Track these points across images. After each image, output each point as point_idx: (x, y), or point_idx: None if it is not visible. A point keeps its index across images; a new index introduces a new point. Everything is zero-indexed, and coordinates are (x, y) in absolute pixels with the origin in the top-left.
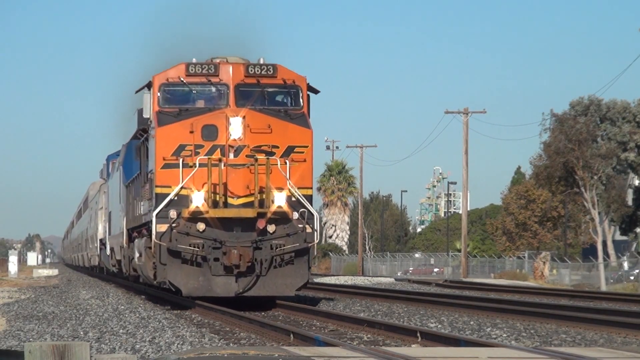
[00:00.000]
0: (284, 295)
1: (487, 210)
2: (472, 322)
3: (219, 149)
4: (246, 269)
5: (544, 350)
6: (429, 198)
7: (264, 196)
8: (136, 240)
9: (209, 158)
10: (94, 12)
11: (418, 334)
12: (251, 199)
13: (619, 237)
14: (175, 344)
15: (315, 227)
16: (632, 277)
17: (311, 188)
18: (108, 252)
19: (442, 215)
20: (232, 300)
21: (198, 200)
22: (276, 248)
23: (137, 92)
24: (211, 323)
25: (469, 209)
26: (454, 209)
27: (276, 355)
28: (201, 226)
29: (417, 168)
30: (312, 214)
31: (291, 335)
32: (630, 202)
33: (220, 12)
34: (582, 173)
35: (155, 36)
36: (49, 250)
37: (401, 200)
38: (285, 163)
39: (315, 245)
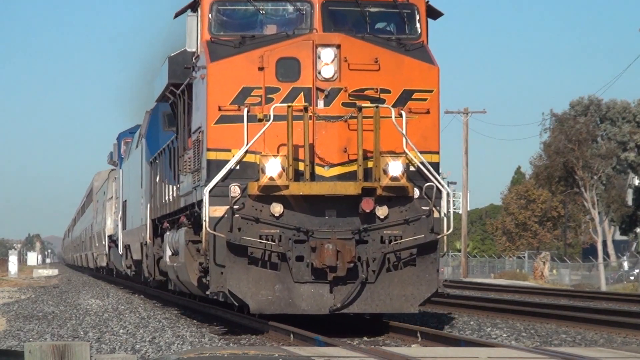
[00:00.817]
0: (401, 311)
1: (487, 210)
2: (472, 322)
3: (302, 94)
4: (346, 273)
5: (544, 350)
6: None
7: (370, 164)
8: (167, 233)
9: (288, 106)
10: None
11: (418, 334)
12: (352, 167)
13: (619, 237)
14: (176, 344)
15: (447, 211)
16: (632, 277)
17: (438, 153)
18: (121, 250)
19: None
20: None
21: (273, 169)
22: (390, 241)
23: (176, 15)
24: (211, 323)
25: (469, 209)
26: (454, 209)
27: (276, 355)
28: (277, 208)
29: None
30: (441, 191)
31: (291, 335)
32: (630, 202)
33: None
34: (582, 173)
35: None
36: (49, 250)
37: None
38: (401, 115)
39: (446, 237)
